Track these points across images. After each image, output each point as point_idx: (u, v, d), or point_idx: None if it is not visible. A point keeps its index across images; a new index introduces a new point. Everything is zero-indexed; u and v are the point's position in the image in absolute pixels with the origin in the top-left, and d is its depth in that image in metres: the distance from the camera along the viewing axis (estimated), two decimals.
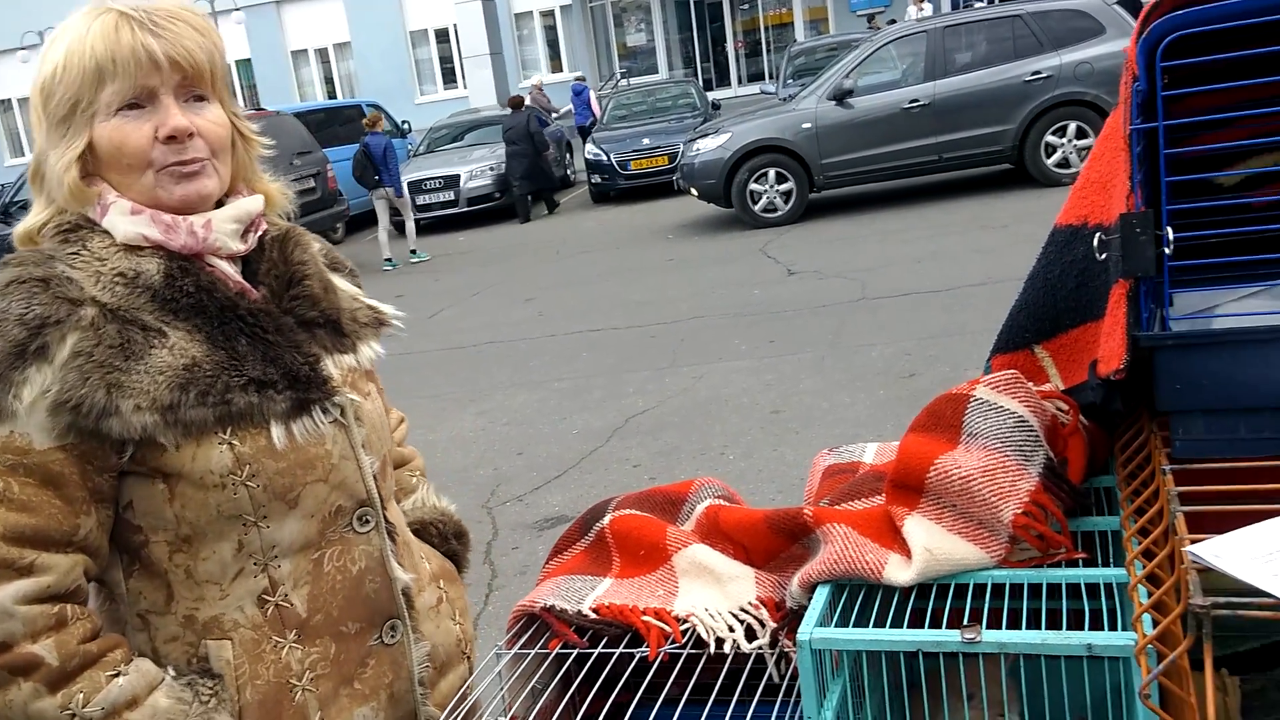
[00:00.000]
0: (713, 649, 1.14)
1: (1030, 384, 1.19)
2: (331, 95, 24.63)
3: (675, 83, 17.73)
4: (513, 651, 1.22)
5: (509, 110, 14.84)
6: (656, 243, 11.46)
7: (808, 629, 1.03)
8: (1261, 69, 1.03)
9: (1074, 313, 1.27)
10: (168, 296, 1.19)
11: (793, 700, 1.09)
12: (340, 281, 1.41)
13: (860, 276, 8.27)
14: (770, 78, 20.66)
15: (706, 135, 11.47)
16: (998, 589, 1.07)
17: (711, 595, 1.22)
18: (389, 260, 12.62)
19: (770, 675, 1.18)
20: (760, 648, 1.15)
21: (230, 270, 1.26)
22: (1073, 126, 10.13)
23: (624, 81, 19.81)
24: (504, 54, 23.94)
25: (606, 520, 1.39)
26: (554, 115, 17.73)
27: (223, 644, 1.22)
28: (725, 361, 6.65)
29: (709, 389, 6.18)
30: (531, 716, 1.18)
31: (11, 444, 1.11)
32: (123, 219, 1.20)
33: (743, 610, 1.19)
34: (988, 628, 1.00)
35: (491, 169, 14.89)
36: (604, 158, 14.59)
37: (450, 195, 14.78)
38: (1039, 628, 1.02)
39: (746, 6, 24.36)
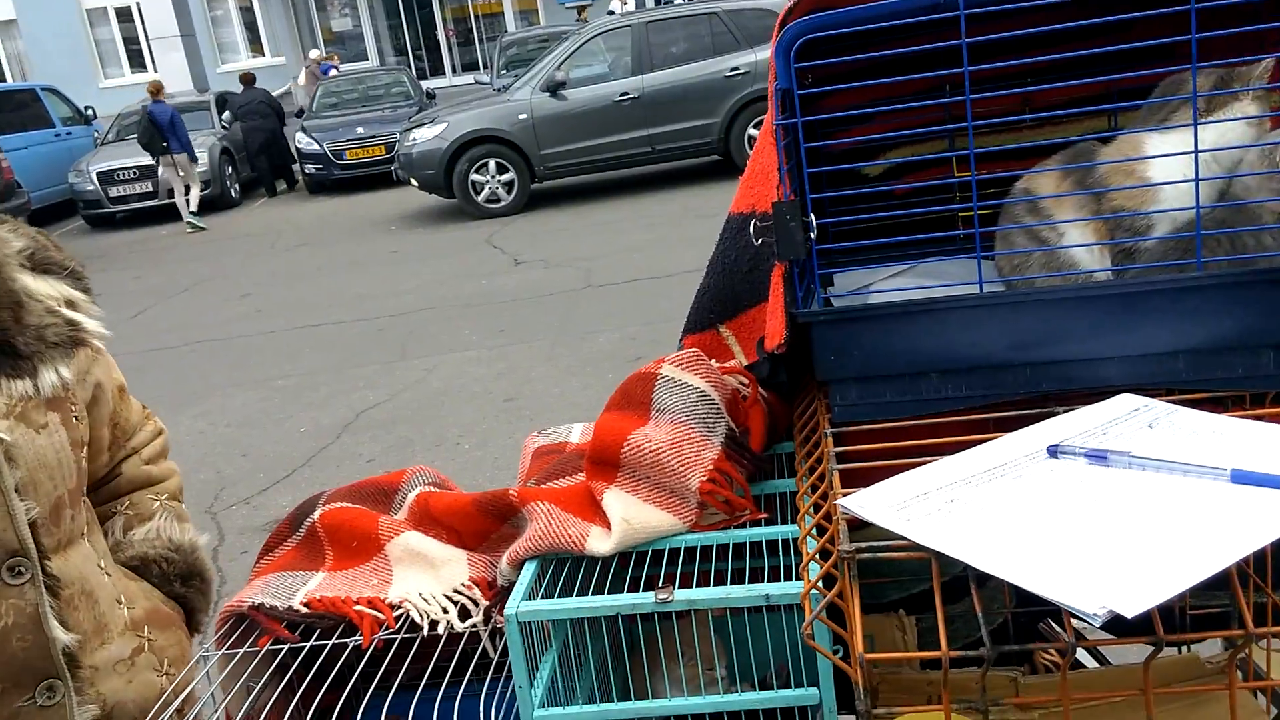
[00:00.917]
0: (425, 631, 1.16)
1: (712, 361, 1.30)
2: (1, 77, 22.11)
3: (387, 70, 17.30)
4: (220, 652, 1.19)
5: (241, 88, 14.97)
6: (379, 234, 11.18)
7: (514, 603, 1.07)
8: (898, 69, 1.17)
9: (750, 294, 1.39)
10: None
11: (504, 676, 1.13)
12: (47, 286, 1.25)
13: (584, 265, 8.46)
14: (484, 67, 20.58)
15: (423, 125, 11.30)
16: (704, 553, 1.16)
17: (425, 580, 1.24)
18: (193, 221, 12.94)
19: (486, 653, 1.22)
20: (474, 626, 1.19)
21: None
22: None
23: (333, 69, 19.06)
24: (197, 36, 22.37)
25: (317, 515, 1.37)
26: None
27: None
28: (456, 352, 6.62)
29: (441, 380, 6.13)
30: (240, 715, 1.16)
31: None
32: None
33: (456, 592, 1.22)
34: (686, 589, 1.09)
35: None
36: (317, 147, 14.03)
37: (148, 186, 13.69)
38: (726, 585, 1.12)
39: None
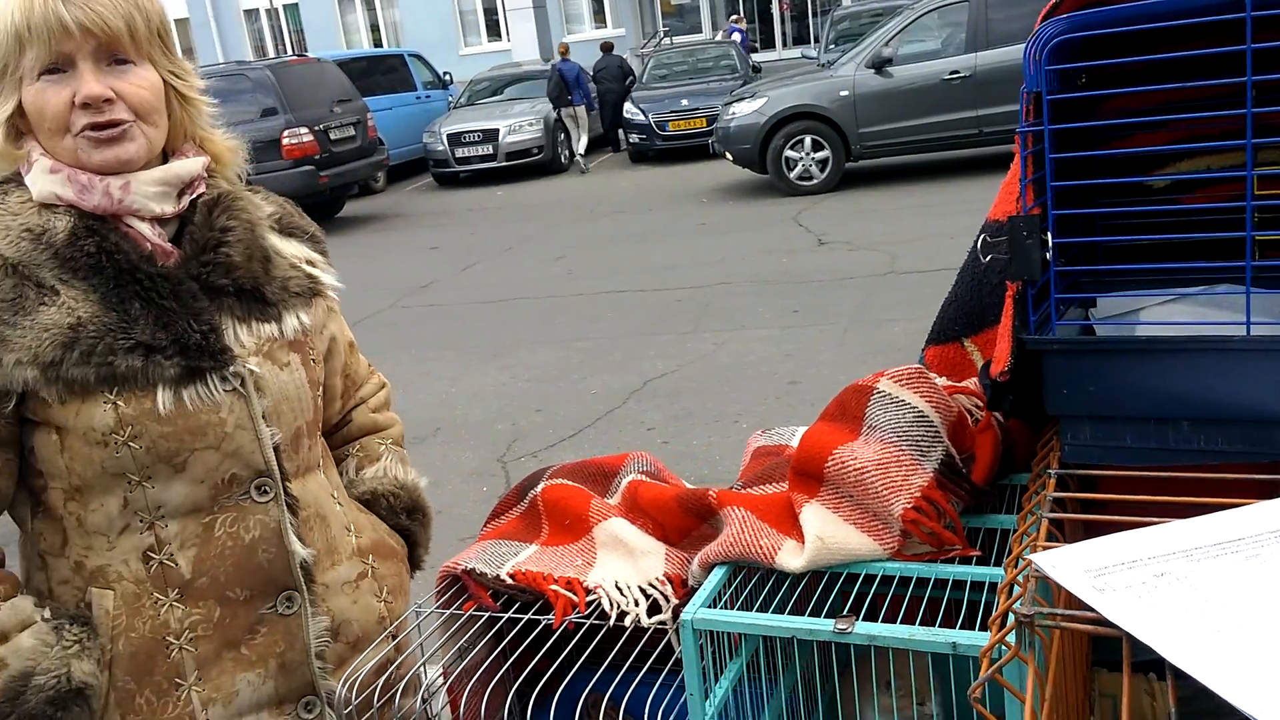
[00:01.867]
0: (613, 621, 1.18)
1: (939, 379, 1.21)
2: (377, 43, 24.63)
3: (716, 44, 17.52)
4: (430, 610, 1.27)
5: (600, 54, 16.58)
6: (689, 206, 11.42)
7: (692, 609, 1.06)
8: (1174, 74, 1.03)
9: (997, 309, 1.28)
10: (68, 255, 1.22)
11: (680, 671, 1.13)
12: (292, 246, 1.42)
13: (891, 249, 8.21)
14: (815, 41, 20.33)
15: (743, 99, 11.35)
16: (917, 580, 1.09)
17: (624, 568, 1.26)
18: (581, 163, 15.27)
19: (677, 651, 1.22)
20: (661, 623, 1.19)
21: (149, 232, 1.28)
22: None
23: (666, 40, 19.59)
24: (547, 7, 23.73)
25: (540, 488, 1.43)
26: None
27: (105, 593, 1.28)
28: (748, 329, 6.65)
29: (729, 356, 6.19)
30: (454, 673, 1.24)
31: None
32: (41, 177, 1.24)
33: (650, 585, 1.22)
34: (897, 616, 1.03)
35: (531, 124, 14.86)
36: (642, 117, 14.51)
37: (489, 149, 14.80)
38: (935, 617, 1.05)
39: None
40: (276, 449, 1.32)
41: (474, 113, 15.44)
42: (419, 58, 18.11)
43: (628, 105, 14.92)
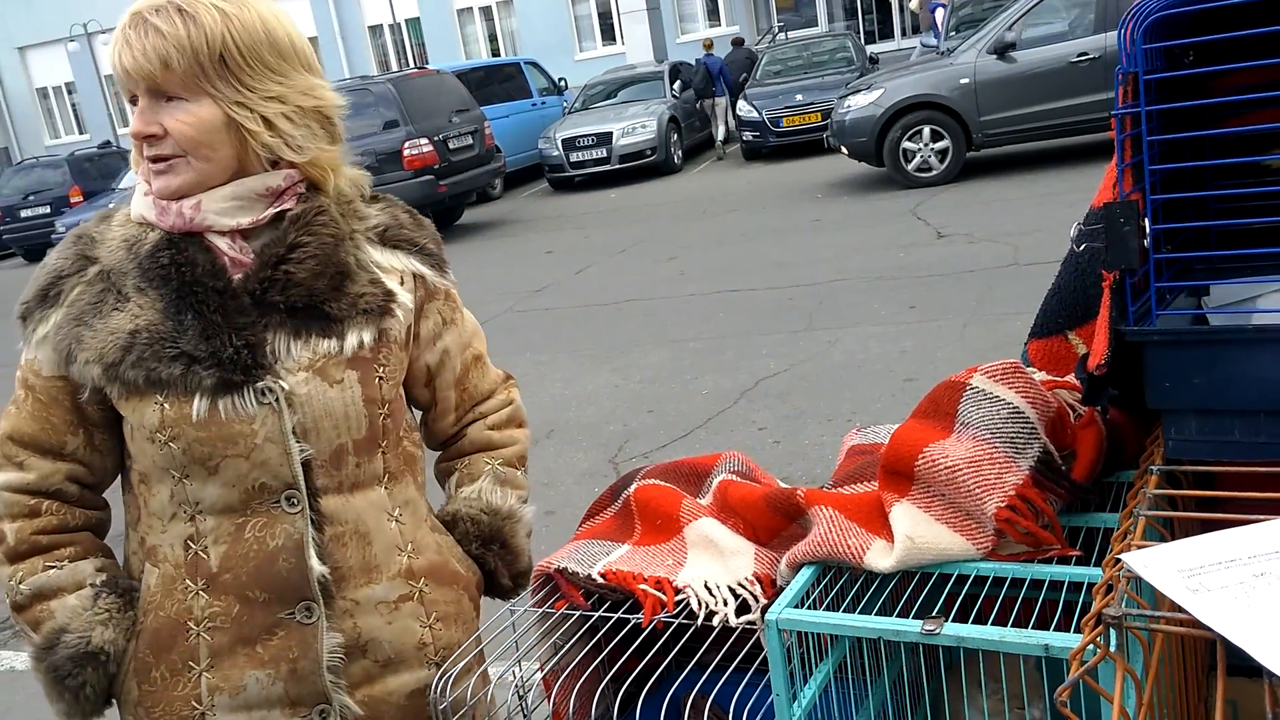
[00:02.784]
0: (700, 621, 1.18)
1: (1039, 373, 1.17)
2: (495, 53, 25.14)
3: (832, 36, 17.26)
4: (524, 608, 1.29)
5: (730, 48, 17.48)
6: (804, 202, 11.29)
7: (777, 609, 1.05)
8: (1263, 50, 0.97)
9: (1101, 299, 1.23)
10: (148, 266, 1.33)
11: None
12: (392, 259, 1.42)
13: (1014, 241, 7.94)
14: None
15: (859, 91, 11.15)
16: (1013, 580, 1.06)
17: (714, 568, 1.26)
18: (719, 149, 16.17)
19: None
20: (750, 623, 1.18)
21: (225, 246, 1.34)
22: None
23: (781, 36, 19.41)
24: (661, 9, 23.80)
25: (633, 488, 1.43)
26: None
27: (153, 570, 1.39)
28: (862, 326, 6.54)
29: (843, 354, 6.10)
30: (547, 669, 1.26)
31: (31, 366, 1.36)
32: (137, 199, 1.38)
33: (740, 585, 1.22)
34: (989, 617, 1.00)
35: (644, 126, 14.94)
36: (756, 114, 14.41)
37: (603, 152, 14.94)
38: (1029, 619, 1.02)
39: None
40: (309, 464, 1.35)
41: (588, 117, 15.61)
42: (535, 65, 18.42)
43: (740, 103, 14.84)
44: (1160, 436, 1.13)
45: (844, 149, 11.18)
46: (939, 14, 16.26)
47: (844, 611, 1.05)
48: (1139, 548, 0.81)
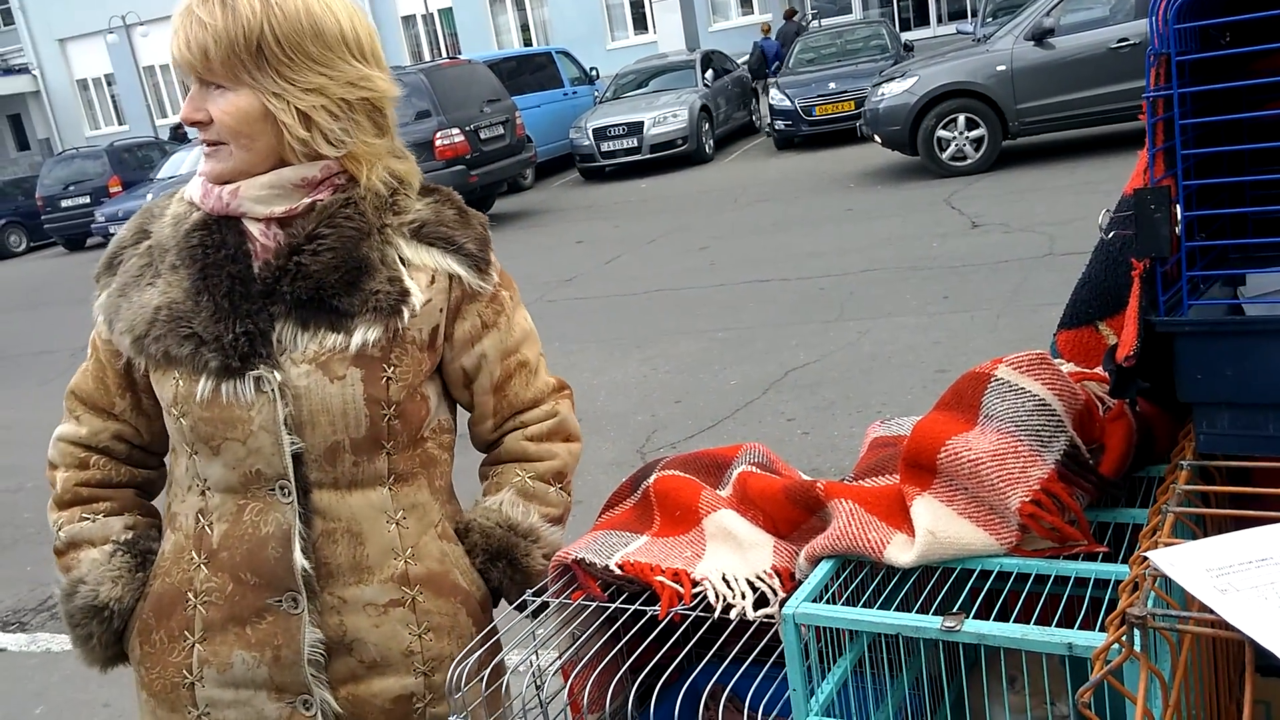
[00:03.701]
0: (718, 614, 1.16)
1: (1067, 364, 1.14)
2: (527, 42, 25.16)
3: (866, 23, 17.11)
4: (539, 600, 1.28)
5: (783, 21, 18.88)
6: (836, 192, 11.21)
7: (794, 603, 1.04)
8: None
9: (1131, 289, 1.20)
10: (185, 245, 1.37)
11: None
12: (424, 256, 1.39)
13: (1050, 230, 7.83)
14: (970, 16, 19.60)
15: (893, 79, 11.03)
16: (1037, 576, 1.04)
17: (733, 560, 1.24)
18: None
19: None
20: (768, 616, 1.16)
21: (257, 232, 1.36)
22: None
23: (814, 23, 19.28)
24: None
25: (653, 479, 1.42)
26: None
27: (170, 537, 1.44)
28: (894, 317, 6.48)
29: (873, 345, 6.05)
30: (563, 660, 1.25)
31: (97, 328, 1.45)
32: (194, 180, 1.42)
33: (758, 578, 1.20)
34: (1017, 613, 0.97)
35: (675, 115, 14.87)
36: (788, 103, 14.30)
37: (634, 142, 14.90)
38: (1054, 615, 0.99)
39: None
40: (300, 458, 1.35)
41: (619, 106, 15.58)
42: (566, 54, 18.39)
43: (773, 91, 14.75)
44: (1192, 430, 1.10)
45: (877, 137, 11.08)
46: None
47: (863, 607, 1.03)
48: (1167, 545, 0.78)
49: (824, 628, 1.05)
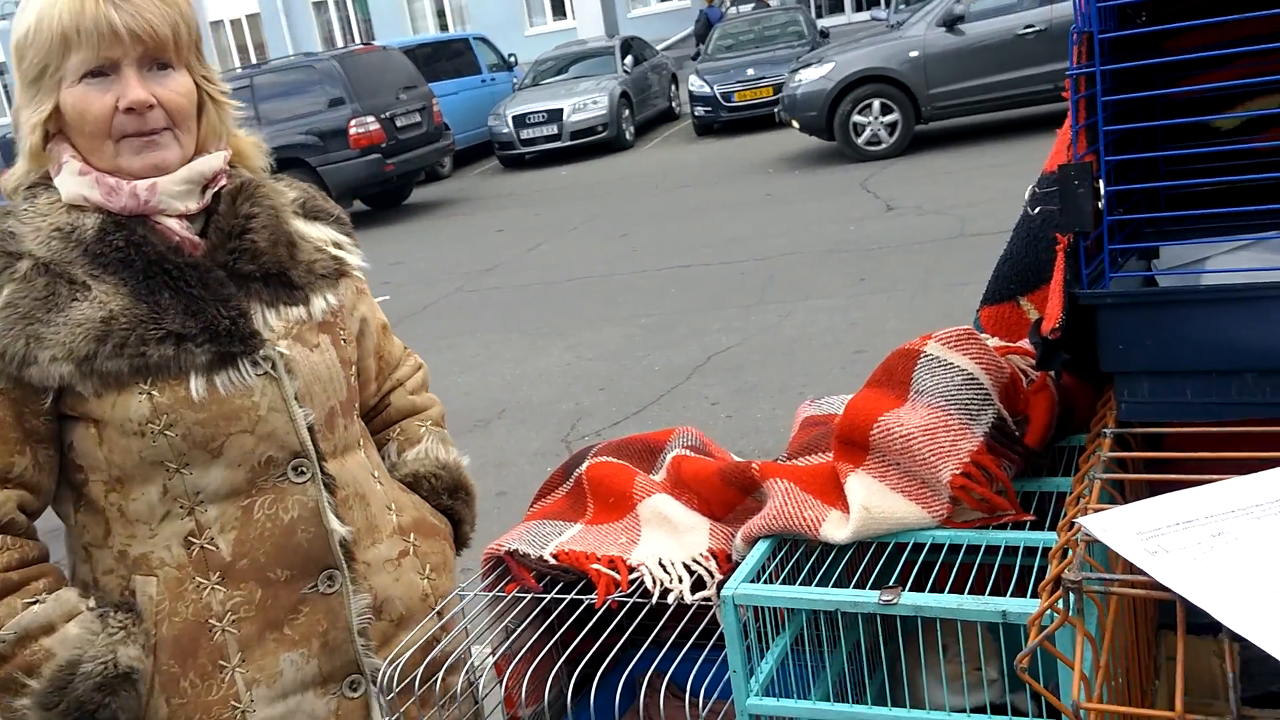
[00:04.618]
0: (655, 599, 1.15)
1: (992, 339, 1.16)
2: (443, 28, 24.79)
3: (783, 10, 17.23)
4: (473, 593, 1.26)
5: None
6: (756, 177, 11.29)
7: (732, 585, 1.04)
8: (1237, 5, 0.95)
9: (1052, 264, 1.22)
10: (98, 252, 1.24)
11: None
12: (316, 230, 1.42)
13: (961, 212, 8.01)
14: (884, 3, 19.90)
15: (809, 65, 11.15)
16: (968, 547, 1.05)
17: (669, 545, 1.23)
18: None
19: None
20: (706, 599, 1.16)
21: (177, 226, 1.30)
22: None
23: (732, 10, 19.36)
24: None
25: (585, 467, 1.40)
26: None
27: (148, 580, 1.29)
28: (813, 300, 6.56)
29: (794, 327, 6.12)
30: (499, 654, 1.23)
31: None
32: (70, 179, 1.27)
33: (694, 561, 1.20)
34: (949, 585, 0.98)
35: (595, 102, 14.81)
36: (707, 89, 14.36)
37: (554, 129, 14.79)
38: (986, 584, 1.00)
39: None
40: (311, 429, 1.34)
41: (538, 93, 15.44)
42: (484, 40, 18.17)
43: (692, 78, 14.78)
44: (1111, 400, 1.12)
45: (795, 123, 11.20)
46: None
47: (801, 584, 1.03)
48: (1094, 511, 0.80)
49: (762, 607, 1.05)
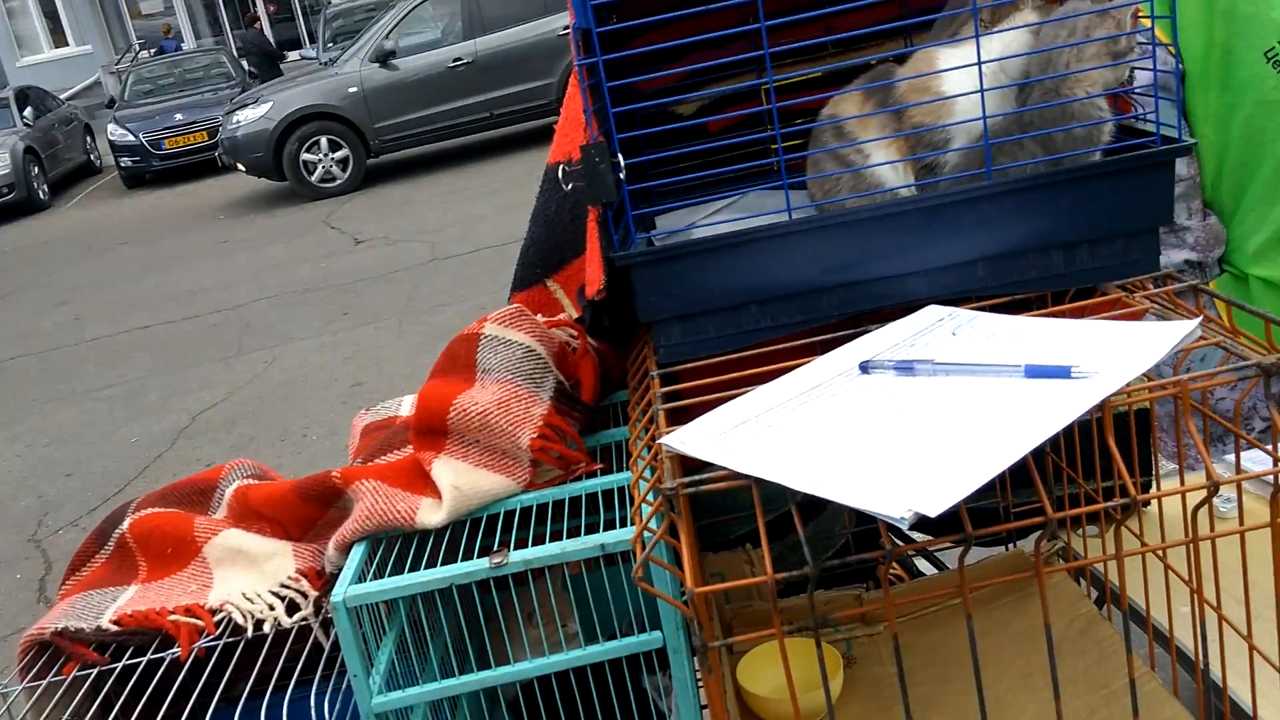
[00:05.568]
0: (250, 633, 1.09)
1: (537, 315, 1.25)
2: None
3: (205, 51, 16.42)
4: (20, 686, 1.09)
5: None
6: (207, 225, 10.63)
7: (341, 589, 1.01)
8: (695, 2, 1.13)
9: (574, 244, 1.35)
10: None
11: (337, 669, 1.07)
12: None
13: (429, 238, 8.25)
14: (309, 43, 19.77)
15: (246, 106, 10.76)
16: (544, 515, 1.12)
17: (248, 579, 1.17)
18: None
19: (322, 647, 1.15)
20: (304, 620, 1.12)
21: None
22: None
23: (144, 53, 18.01)
24: None
25: (126, 524, 1.27)
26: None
27: None
28: (298, 341, 6.36)
29: (282, 372, 5.88)
30: None
31: None
32: None
33: (282, 586, 1.15)
34: (522, 550, 1.04)
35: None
36: (131, 138, 13.21)
37: None
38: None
39: None
40: None
41: None
42: None
43: (111, 127, 13.49)
44: (640, 356, 1.28)
45: (240, 166, 10.73)
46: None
47: (409, 572, 1.04)
48: (666, 433, 0.91)
49: (368, 608, 1.04)
